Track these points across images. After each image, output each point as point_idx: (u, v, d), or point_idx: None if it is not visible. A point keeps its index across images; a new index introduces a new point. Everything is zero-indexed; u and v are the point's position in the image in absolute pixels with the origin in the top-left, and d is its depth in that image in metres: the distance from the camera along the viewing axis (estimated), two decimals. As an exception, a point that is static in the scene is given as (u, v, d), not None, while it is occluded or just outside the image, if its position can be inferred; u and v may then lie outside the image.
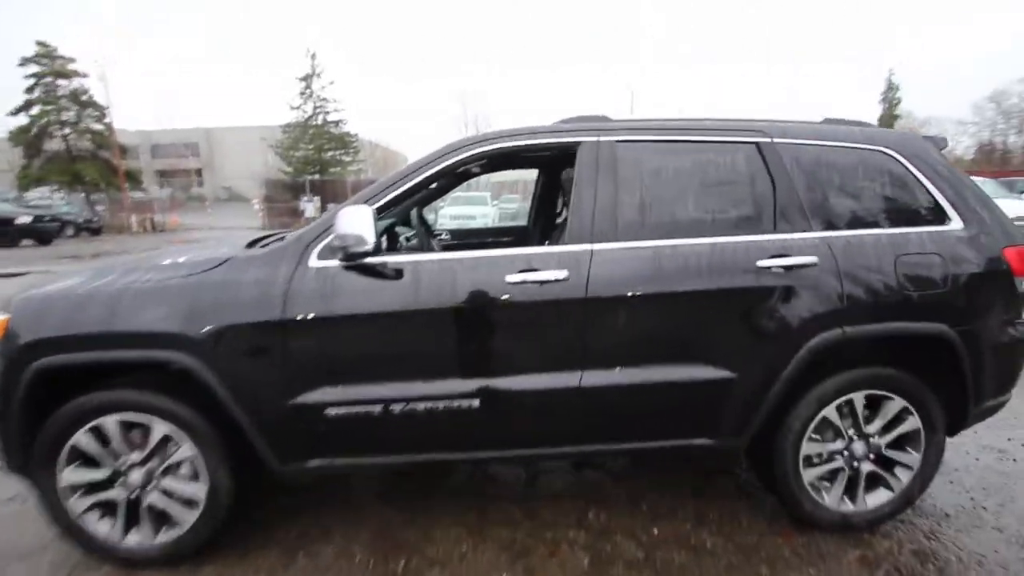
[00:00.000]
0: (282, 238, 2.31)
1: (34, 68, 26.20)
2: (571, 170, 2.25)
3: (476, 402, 2.06)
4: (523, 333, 2.08)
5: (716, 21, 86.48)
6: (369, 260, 2.03)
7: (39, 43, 26.02)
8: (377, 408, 2.04)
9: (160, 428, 2.03)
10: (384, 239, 2.65)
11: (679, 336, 2.13)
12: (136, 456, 2.06)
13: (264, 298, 1.97)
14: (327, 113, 32.91)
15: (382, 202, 2.12)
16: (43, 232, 18.39)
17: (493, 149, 2.21)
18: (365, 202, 2.08)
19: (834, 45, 75.97)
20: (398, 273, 2.05)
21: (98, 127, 27.44)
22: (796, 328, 2.10)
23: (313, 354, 2.01)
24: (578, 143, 2.20)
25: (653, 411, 2.18)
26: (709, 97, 66.09)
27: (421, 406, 2.05)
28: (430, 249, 2.74)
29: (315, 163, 32.13)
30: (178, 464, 2.07)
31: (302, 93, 32.48)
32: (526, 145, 2.26)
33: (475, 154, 2.20)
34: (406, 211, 3.00)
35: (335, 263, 2.04)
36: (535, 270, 2.05)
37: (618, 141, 2.19)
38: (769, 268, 2.10)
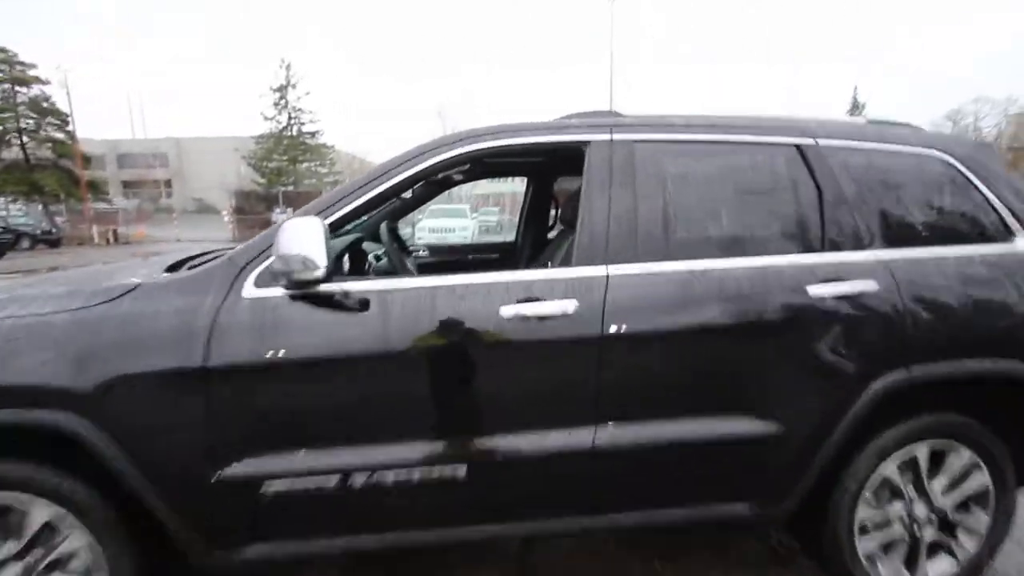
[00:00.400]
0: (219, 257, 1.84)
1: (-11, 75, 25.06)
2: (565, 179, 1.84)
3: (462, 469, 1.62)
4: (521, 381, 1.65)
5: (716, 21, 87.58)
6: (323, 288, 1.58)
7: (-5, 48, 24.92)
8: (333, 479, 1.58)
9: (41, 512, 1.53)
10: (347, 259, 2.20)
11: (715, 381, 1.72)
12: (10, 548, 1.55)
13: (180, 338, 1.51)
14: (302, 124, 32.28)
15: (339, 214, 1.68)
16: (-5, 244, 17.48)
17: (479, 150, 1.78)
18: (317, 214, 1.63)
19: (834, 45, 76.48)
20: (362, 304, 1.61)
21: (59, 136, 26.40)
22: (855, 368, 1.72)
23: (245, 411, 1.54)
24: (587, 142, 1.79)
25: (681, 475, 1.76)
26: (709, 97, 66.47)
27: (391, 475, 1.60)
28: (405, 271, 2.29)
29: (289, 174, 31.38)
30: (67, 558, 1.57)
31: (276, 104, 31.84)
32: (521, 145, 1.84)
33: (455, 156, 1.76)
34: (375, 224, 2.56)
35: (279, 292, 1.59)
36: (537, 299, 1.63)
37: (636, 141, 1.80)
38: (823, 296, 1.72)
